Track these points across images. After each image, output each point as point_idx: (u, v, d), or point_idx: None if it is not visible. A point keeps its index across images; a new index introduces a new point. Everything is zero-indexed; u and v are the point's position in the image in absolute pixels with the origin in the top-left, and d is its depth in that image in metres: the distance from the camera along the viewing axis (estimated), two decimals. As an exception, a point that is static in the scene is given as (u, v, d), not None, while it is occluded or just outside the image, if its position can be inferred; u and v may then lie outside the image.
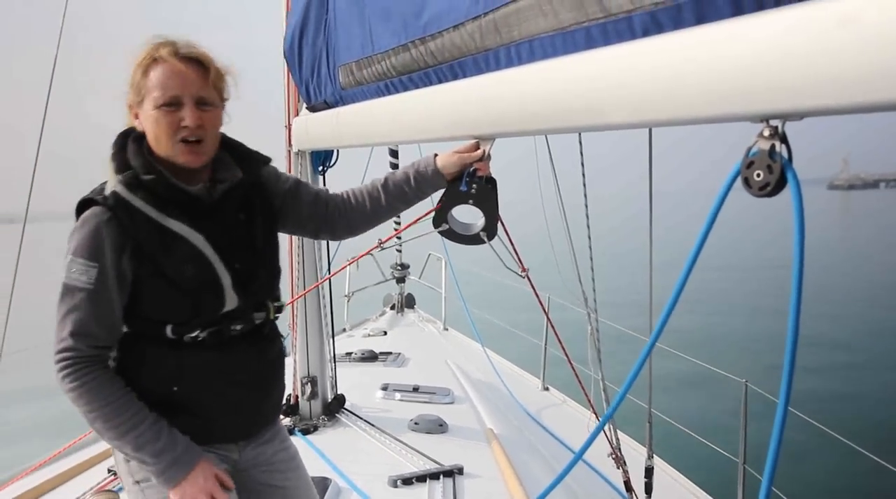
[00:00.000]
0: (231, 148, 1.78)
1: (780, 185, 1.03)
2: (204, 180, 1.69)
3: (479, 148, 1.86)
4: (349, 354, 5.00)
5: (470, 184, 1.87)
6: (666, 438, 4.39)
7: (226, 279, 1.67)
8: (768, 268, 24.51)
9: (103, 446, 3.43)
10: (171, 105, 1.59)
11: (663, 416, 4.29)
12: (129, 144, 1.65)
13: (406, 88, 2.08)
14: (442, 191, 1.93)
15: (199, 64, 1.63)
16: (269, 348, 1.83)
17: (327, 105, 2.74)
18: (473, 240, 1.94)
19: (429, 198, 2.03)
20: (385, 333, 6.28)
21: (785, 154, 1.03)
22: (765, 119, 1.03)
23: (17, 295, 3.22)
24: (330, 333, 3.69)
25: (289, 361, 3.77)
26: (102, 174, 1.68)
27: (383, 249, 2.29)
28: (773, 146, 1.03)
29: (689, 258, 1.19)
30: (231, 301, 1.68)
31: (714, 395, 8.36)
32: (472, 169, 1.87)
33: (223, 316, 1.69)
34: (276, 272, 1.85)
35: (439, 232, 1.96)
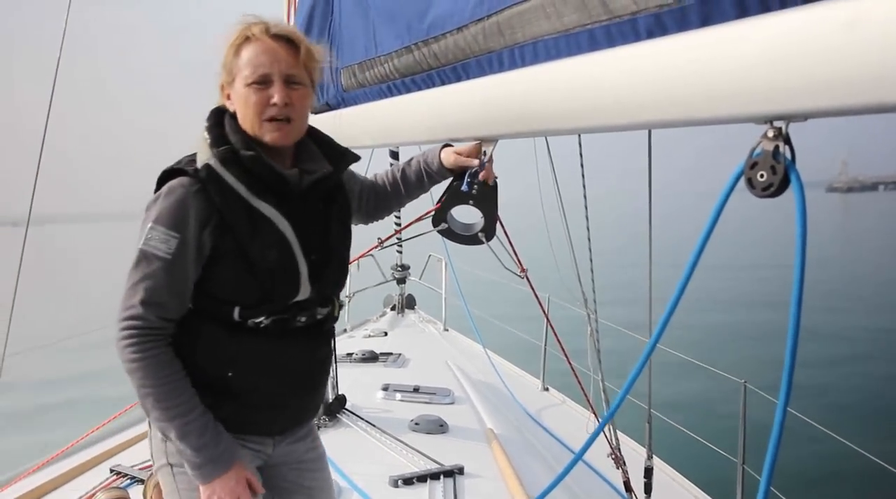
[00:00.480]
0: (320, 141, 1.78)
1: (784, 186, 1.04)
2: (287, 166, 1.67)
3: (480, 150, 1.88)
4: (350, 354, 5.00)
5: (472, 185, 1.88)
6: (665, 437, 4.40)
7: (303, 268, 1.64)
8: (767, 267, 24.55)
9: (105, 446, 3.43)
10: (261, 83, 1.58)
11: (663, 416, 4.30)
12: (227, 120, 1.64)
13: (409, 90, 2.09)
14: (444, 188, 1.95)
15: (289, 42, 1.62)
16: (324, 346, 1.82)
17: (329, 107, 2.75)
18: (472, 240, 1.97)
19: (429, 197, 2.05)
20: (386, 333, 6.28)
21: (788, 155, 1.04)
22: (769, 120, 1.04)
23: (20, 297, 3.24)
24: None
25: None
26: (185, 149, 1.66)
27: (383, 248, 2.30)
28: (776, 147, 1.04)
29: (692, 258, 1.19)
30: (304, 291, 1.66)
31: (713, 394, 8.37)
32: (474, 170, 1.89)
33: (292, 305, 1.67)
34: (345, 269, 1.84)
35: (438, 231, 1.98)
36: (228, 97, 1.65)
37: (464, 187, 1.89)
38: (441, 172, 1.95)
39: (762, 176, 1.06)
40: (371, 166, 4.78)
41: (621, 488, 3.18)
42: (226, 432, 1.63)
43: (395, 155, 6.12)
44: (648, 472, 2.95)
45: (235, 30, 1.62)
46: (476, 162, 1.87)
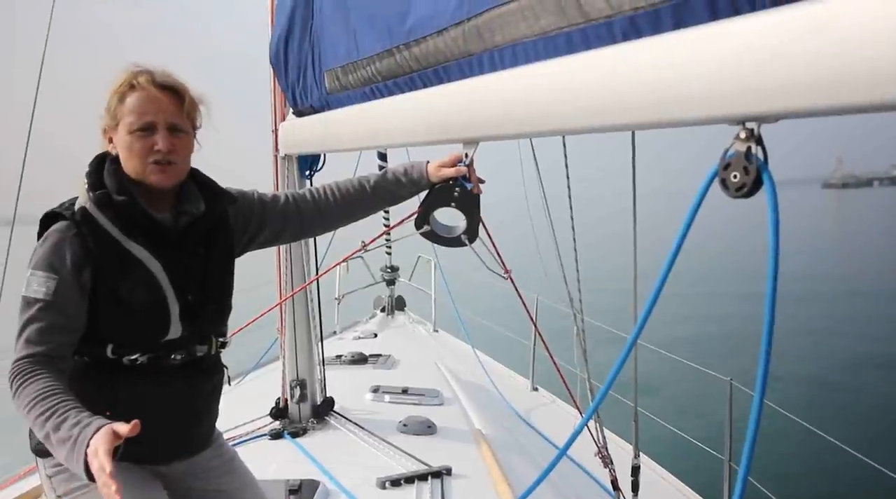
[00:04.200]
0: (202, 184, 1.83)
1: (756, 186, 1.05)
2: (165, 210, 1.74)
3: (461, 159, 1.92)
4: (339, 356, 5.00)
5: (453, 187, 1.90)
6: (653, 436, 4.42)
7: (174, 308, 1.72)
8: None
9: None
10: (145, 130, 1.65)
11: (650, 415, 4.32)
12: (107, 165, 1.71)
13: (391, 93, 2.10)
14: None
15: (174, 92, 1.70)
16: (206, 382, 1.86)
17: (314, 110, 2.75)
18: (455, 242, 1.98)
19: (416, 198, 2.07)
20: (375, 335, 6.27)
21: (761, 156, 1.05)
22: (741, 121, 1.06)
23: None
24: (319, 335, 3.70)
25: (277, 365, 3.80)
26: (74, 190, 1.73)
27: (367, 251, 2.31)
28: (749, 148, 1.05)
29: (669, 257, 1.20)
30: (175, 330, 1.73)
31: (701, 393, 8.40)
32: (462, 176, 1.92)
33: (165, 343, 1.73)
34: (225, 309, 1.90)
35: (421, 234, 2.00)
36: (111, 141, 1.71)
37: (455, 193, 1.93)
38: (426, 185, 2.01)
39: (735, 177, 1.07)
40: (359, 169, 4.79)
41: (609, 486, 3.19)
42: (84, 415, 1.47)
43: (383, 156, 6.13)
44: (636, 470, 2.95)
45: (120, 77, 1.68)
46: (463, 170, 1.91)
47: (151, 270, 1.68)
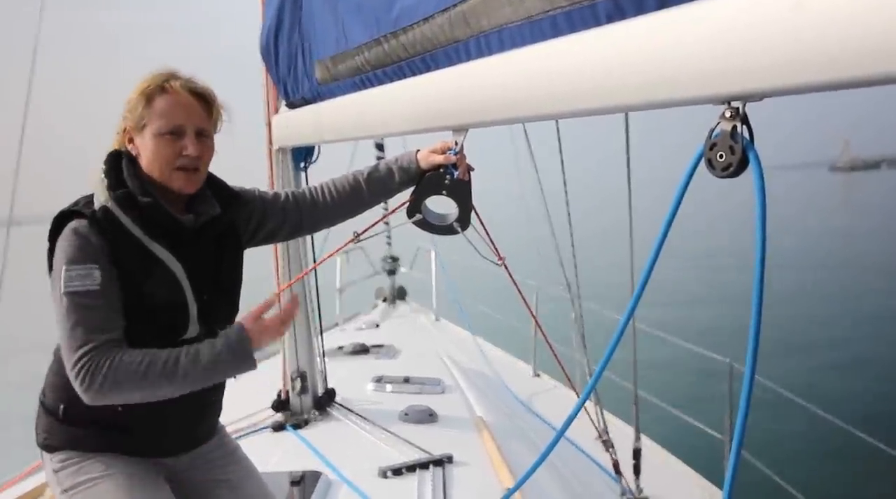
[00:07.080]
0: (214, 185, 1.84)
1: (742, 165, 1.05)
2: (180, 210, 1.74)
3: (451, 146, 1.92)
4: (341, 347, 5.00)
5: (443, 175, 1.90)
6: (655, 419, 4.43)
7: (193, 308, 1.72)
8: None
9: None
10: (174, 134, 1.66)
11: (650, 397, 4.33)
12: (125, 164, 1.69)
13: (381, 82, 2.09)
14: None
15: (204, 99, 1.72)
16: None
17: (305, 101, 2.75)
18: (447, 230, 1.98)
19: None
20: (377, 325, 6.28)
21: (746, 135, 1.05)
22: (726, 101, 1.05)
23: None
24: (318, 327, 3.70)
25: (278, 357, 3.80)
26: (86, 188, 1.71)
27: (360, 241, 2.31)
28: (734, 127, 1.05)
29: (658, 238, 1.20)
30: (193, 329, 1.73)
31: (702, 375, 8.41)
32: (451, 164, 1.92)
33: (180, 342, 1.71)
34: (235, 308, 1.91)
35: (413, 222, 1.99)
36: (131, 141, 1.70)
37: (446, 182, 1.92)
38: (416, 172, 2.00)
39: (721, 156, 1.07)
40: (356, 159, 4.79)
41: (611, 470, 3.20)
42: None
43: (380, 146, 6.13)
44: (637, 453, 2.97)
45: (149, 79, 1.68)
46: (452, 158, 1.91)
47: (173, 271, 1.69)
